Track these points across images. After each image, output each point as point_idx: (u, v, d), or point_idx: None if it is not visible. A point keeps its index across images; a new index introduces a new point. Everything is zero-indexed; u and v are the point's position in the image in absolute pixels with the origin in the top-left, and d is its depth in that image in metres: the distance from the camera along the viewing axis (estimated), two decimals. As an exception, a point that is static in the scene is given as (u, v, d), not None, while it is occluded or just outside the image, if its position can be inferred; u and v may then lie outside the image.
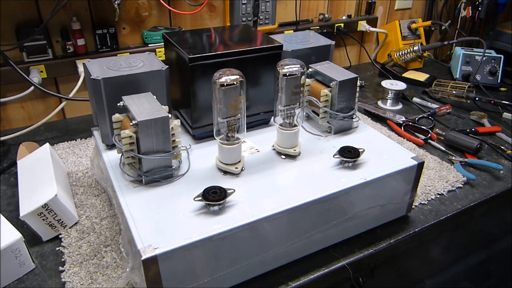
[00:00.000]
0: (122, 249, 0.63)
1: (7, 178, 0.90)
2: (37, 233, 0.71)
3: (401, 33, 1.56)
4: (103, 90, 0.70)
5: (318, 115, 0.82)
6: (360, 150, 0.73)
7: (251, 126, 0.84)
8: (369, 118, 1.19)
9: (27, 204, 0.70)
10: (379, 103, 1.29)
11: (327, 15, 1.46)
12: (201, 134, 0.79)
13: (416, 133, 1.11)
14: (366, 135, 0.83)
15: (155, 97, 0.68)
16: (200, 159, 0.74)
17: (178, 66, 0.77)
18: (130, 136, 0.62)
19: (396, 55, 1.52)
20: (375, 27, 1.58)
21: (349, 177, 0.70)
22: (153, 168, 0.65)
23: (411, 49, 1.50)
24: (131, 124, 0.61)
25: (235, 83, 0.64)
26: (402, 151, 0.77)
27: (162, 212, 0.61)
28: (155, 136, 0.63)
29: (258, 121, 0.85)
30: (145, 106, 0.64)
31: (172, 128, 0.65)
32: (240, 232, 0.59)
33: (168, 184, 0.67)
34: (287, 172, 0.71)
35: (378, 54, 1.66)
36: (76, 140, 1.03)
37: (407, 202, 0.79)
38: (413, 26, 1.57)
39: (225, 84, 0.63)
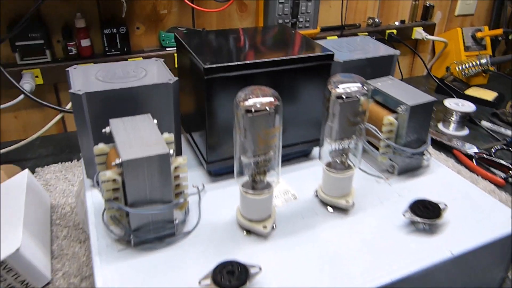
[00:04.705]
0: None
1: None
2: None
3: (463, 42, 1.32)
4: (86, 108, 0.51)
5: (377, 148, 0.61)
6: (441, 207, 0.51)
7: (286, 160, 0.64)
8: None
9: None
10: (440, 126, 1.06)
11: (377, 20, 1.24)
12: (219, 170, 0.60)
13: (491, 168, 0.88)
14: (442, 179, 0.61)
15: (155, 120, 0.49)
16: (216, 207, 0.54)
17: (192, 78, 0.58)
18: (114, 180, 0.43)
19: (458, 68, 1.28)
20: (432, 34, 1.35)
21: (427, 247, 0.48)
22: (145, 225, 0.46)
23: (477, 62, 1.25)
24: (113, 163, 0.42)
25: (267, 108, 0.43)
26: (499, 207, 0.55)
27: (152, 296, 0.41)
28: (149, 181, 0.43)
29: (295, 153, 0.64)
30: (138, 136, 0.45)
31: (176, 168, 0.45)
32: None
33: (166, 247, 0.47)
34: (336, 235, 0.50)
35: (433, 67, 1.42)
36: (71, 162, 0.85)
37: (498, 279, 0.56)
38: (479, 34, 1.33)
39: (253, 110, 0.43)
